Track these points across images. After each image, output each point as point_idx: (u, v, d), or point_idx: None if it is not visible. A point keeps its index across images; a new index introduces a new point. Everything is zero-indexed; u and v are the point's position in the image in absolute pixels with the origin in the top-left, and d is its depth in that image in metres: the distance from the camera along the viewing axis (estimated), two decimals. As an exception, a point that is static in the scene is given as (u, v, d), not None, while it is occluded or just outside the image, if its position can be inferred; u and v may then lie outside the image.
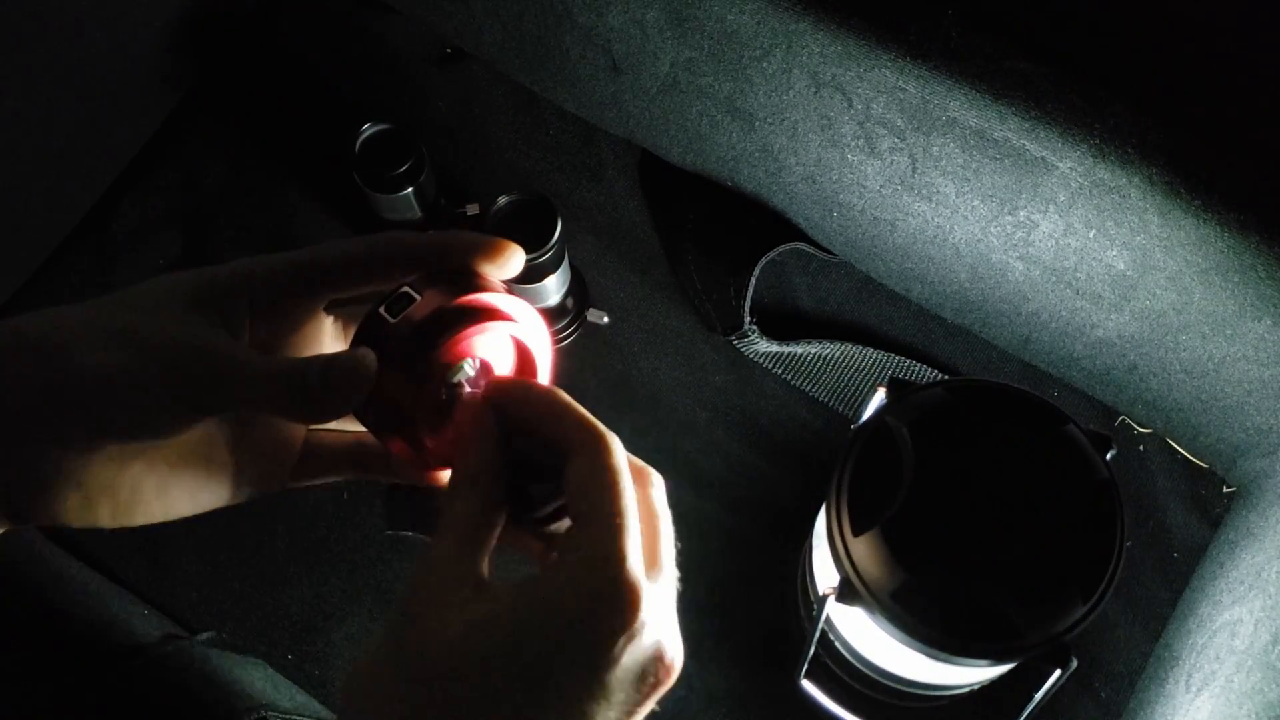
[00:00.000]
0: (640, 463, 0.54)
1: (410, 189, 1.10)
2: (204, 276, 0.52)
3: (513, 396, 0.54)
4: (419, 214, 1.13)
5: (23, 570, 0.95)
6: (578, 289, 1.13)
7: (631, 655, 0.48)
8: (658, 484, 0.55)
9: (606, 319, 1.15)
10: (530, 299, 1.05)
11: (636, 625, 0.47)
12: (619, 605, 0.47)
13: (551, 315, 1.11)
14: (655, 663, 0.50)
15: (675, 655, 0.51)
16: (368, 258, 0.54)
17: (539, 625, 0.47)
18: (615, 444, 0.52)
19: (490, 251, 0.54)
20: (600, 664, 0.47)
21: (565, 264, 1.07)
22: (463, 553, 0.50)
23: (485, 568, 0.50)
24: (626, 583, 0.48)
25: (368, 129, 1.10)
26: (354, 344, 0.53)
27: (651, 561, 0.51)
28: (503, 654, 0.47)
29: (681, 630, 1.04)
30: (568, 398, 0.53)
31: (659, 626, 0.49)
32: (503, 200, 1.03)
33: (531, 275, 1.04)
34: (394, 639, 0.48)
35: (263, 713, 0.90)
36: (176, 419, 0.50)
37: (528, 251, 1.01)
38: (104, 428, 0.49)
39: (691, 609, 1.07)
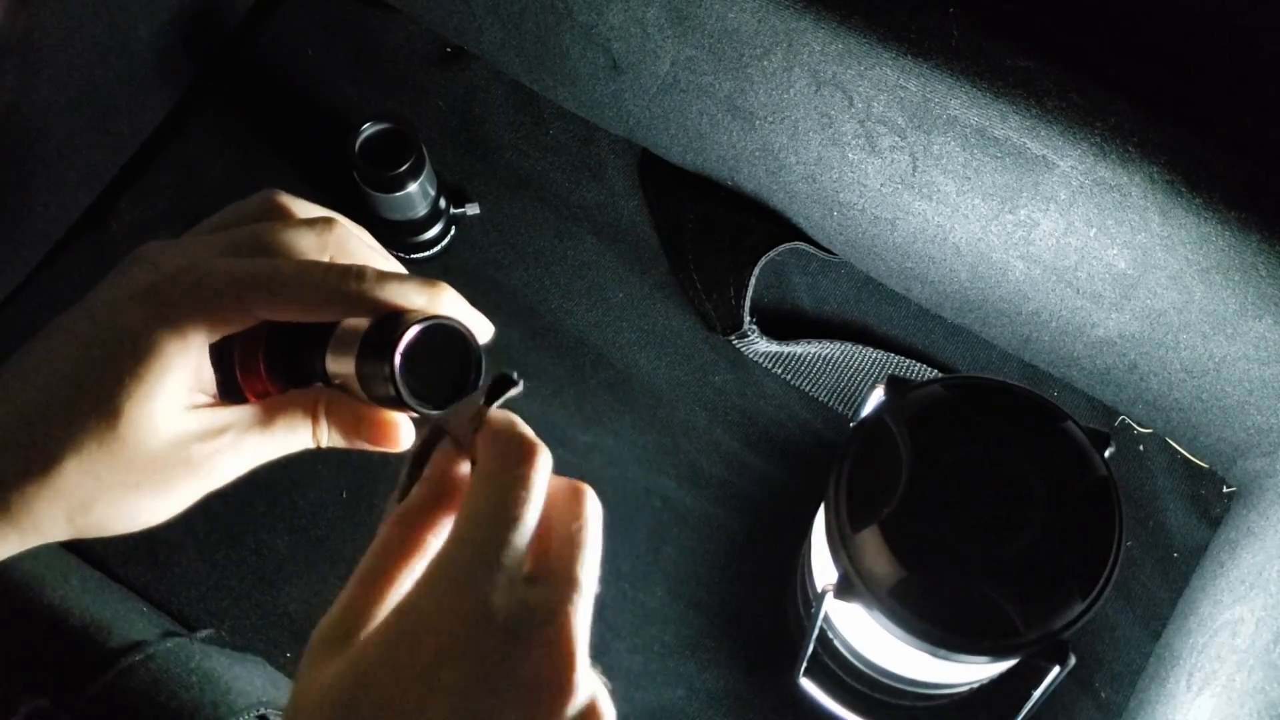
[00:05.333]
0: (572, 482, 0.53)
1: (410, 189, 1.09)
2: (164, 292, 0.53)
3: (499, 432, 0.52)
4: (419, 214, 1.13)
5: (22, 567, 0.95)
6: (446, 193, 1.17)
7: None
8: (591, 498, 0.53)
9: (476, 209, 1.19)
10: (399, 206, 1.11)
11: (571, 704, 0.46)
12: (558, 686, 0.46)
13: (424, 221, 1.15)
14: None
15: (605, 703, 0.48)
16: (329, 295, 0.53)
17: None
18: (591, 496, 0.52)
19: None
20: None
21: (428, 173, 1.11)
22: (360, 604, 0.49)
23: (375, 621, 0.49)
24: (567, 666, 0.46)
25: (368, 129, 1.10)
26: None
27: (568, 574, 0.49)
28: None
29: (681, 630, 1.04)
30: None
31: (588, 681, 0.47)
32: (367, 129, 1.10)
33: (395, 185, 1.09)
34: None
35: (263, 710, 0.89)
36: None
37: (393, 167, 1.07)
38: None
39: (691, 609, 1.08)
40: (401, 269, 0.58)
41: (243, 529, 1.07)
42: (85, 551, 1.04)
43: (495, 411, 0.52)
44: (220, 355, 0.55)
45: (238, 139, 1.23)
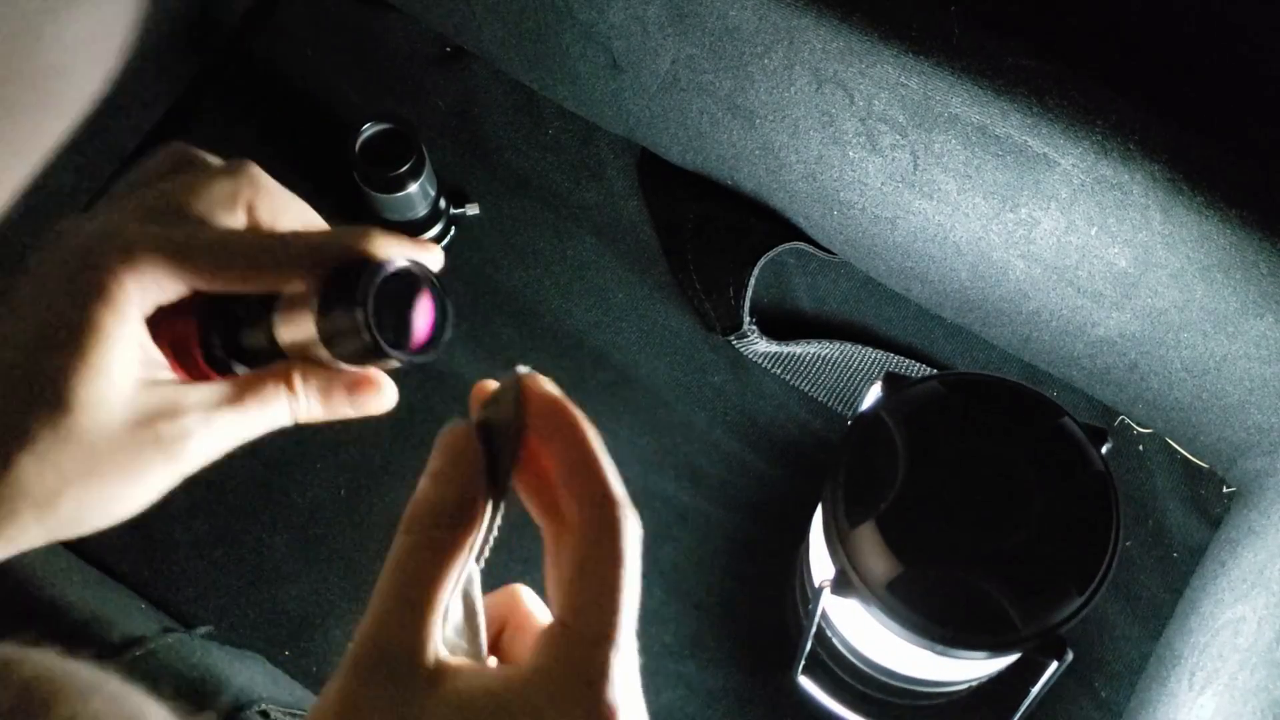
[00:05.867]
0: (625, 504, 0.46)
1: (410, 189, 1.09)
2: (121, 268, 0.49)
3: (545, 417, 0.47)
4: (419, 214, 1.13)
5: (20, 565, 0.95)
6: (446, 193, 1.17)
7: None
8: (633, 535, 0.45)
9: (476, 209, 1.19)
10: (399, 206, 1.12)
11: None
12: None
13: (424, 222, 1.15)
14: None
15: None
16: (264, 253, 0.51)
17: None
18: (634, 529, 0.45)
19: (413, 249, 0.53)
20: None
21: (428, 173, 1.12)
22: (405, 626, 0.44)
23: (434, 645, 0.44)
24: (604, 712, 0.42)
25: (368, 129, 1.10)
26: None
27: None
28: None
29: (681, 630, 1.04)
30: (602, 449, 0.46)
31: None
32: (367, 129, 1.11)
33: (395, 185, 1.10)
34: None
35: (263, 705, 0.89)
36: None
37: (393, 168, 1.08)
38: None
39: (691, 609, 1.08)
40: (321, 222, 0.56)
41: (241, 527, 1.07)
42: (84, 549, 1.04)
43: (586, 446, 0.46)
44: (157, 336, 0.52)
45: (238, 139, 1.23)
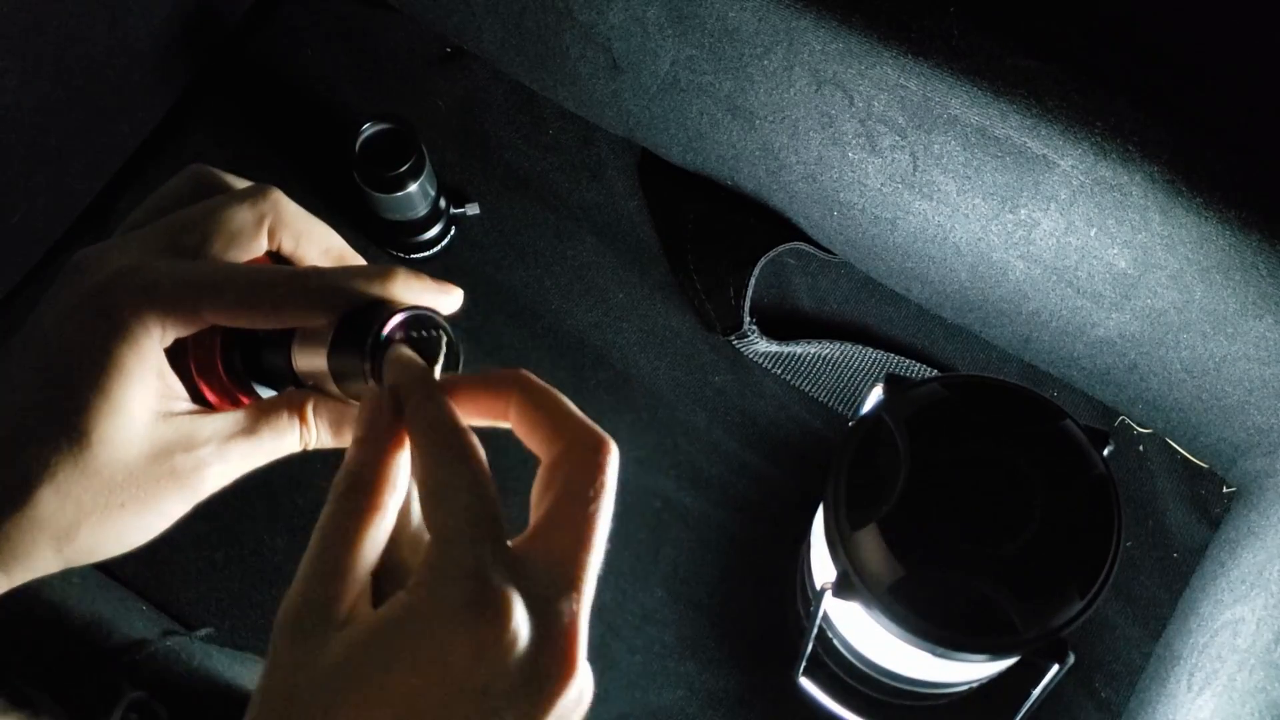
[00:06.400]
0: (598, 431, 0.49)
1: (410, 189, 1.09)
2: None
3: (400, 370, 0.50)
4: (419, 214, 1.13)
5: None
6: (446, 193, 1.17)
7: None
8: (613, 463, 0.49)
9: (476, 209, 1.19)
10: (399, 206, 1.11)
11: (566, 697, 0.45)
12: (559, 678, 0.44)
13: (424, 221, 1.15)
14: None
15: (588, 692, 0.47)
16: (285, 293, 0.51)
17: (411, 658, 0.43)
18: (476, 450, 0.48)
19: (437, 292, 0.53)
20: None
21: (428, 173, 1.11)
22: (320, 584, 0.46)
23: (349, 600, 0.46)
24: (568, 648, 0.45)
25: (368, 129, 1.10)
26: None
27: (575, 579, 0.46)
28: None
29: (681, 630, 1.04)
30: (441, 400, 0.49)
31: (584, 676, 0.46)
32: (367, 129, 1.10)
33: (395, 185, 1.09)
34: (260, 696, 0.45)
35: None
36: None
37: (393, 167, 1.08)
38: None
39: (691, 609, 1.08)
40: (345, 247, 0.56)
41: (242, 529, 1.07)
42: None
43: (413, 396, 0.49)
44: (177, 361, 0.53)
45: (238, 139, 1.23)
